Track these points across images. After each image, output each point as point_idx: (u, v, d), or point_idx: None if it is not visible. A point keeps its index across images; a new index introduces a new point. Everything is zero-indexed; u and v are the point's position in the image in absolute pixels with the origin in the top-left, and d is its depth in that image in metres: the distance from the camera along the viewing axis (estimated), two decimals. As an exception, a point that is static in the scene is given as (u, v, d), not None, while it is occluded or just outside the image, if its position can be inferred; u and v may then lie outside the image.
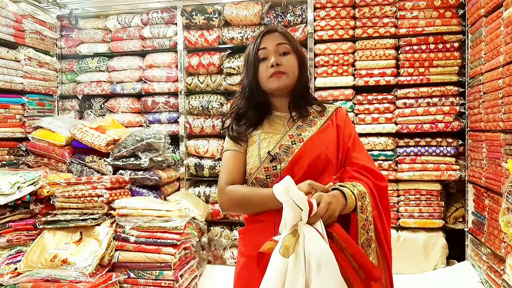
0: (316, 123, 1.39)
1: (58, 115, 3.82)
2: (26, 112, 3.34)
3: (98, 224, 2.61)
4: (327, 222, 1.12)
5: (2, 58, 3.11)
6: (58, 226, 2.61)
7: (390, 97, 3.30)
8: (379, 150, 3.27)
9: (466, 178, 3.14)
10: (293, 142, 1.34)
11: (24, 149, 3.31)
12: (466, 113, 3.16)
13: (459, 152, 3.21)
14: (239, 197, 1.33)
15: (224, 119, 1.47)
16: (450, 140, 3.20)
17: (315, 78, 3.39)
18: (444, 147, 3.19)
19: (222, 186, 1.37)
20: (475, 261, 2.92)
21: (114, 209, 2.67)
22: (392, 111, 3.29)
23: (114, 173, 3.05)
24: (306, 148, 1.32)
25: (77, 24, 3.81)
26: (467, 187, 3.14)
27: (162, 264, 2.54)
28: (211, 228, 3.47)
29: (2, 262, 2.46)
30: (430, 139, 3.21)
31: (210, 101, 3.53)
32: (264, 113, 1.42)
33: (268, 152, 1.32)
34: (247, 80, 1.37)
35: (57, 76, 3.79)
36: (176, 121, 3.67)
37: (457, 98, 3.19)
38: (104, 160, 3.07)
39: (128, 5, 3.67)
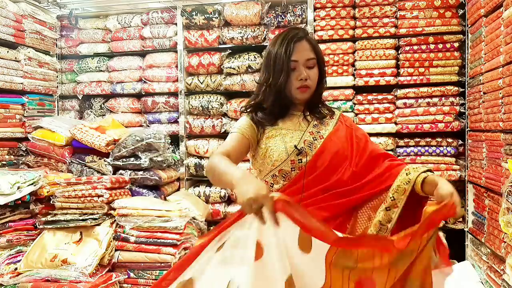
0: (329, 124, 1.51)
1: (58, 115, 3.82)
2: (26, 112, 3.34)
3: (98, 224, 2.61)
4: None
5: (2, 58, 3.11)
6: (58, 226, 2.62)
7: (390, 97, 3.30)
8: (379, 150, 3.27)
9: (466, 178, 3.14)
10: (314, 138, 1.44)
11: (24, 149, 3.31)
12: (466, 113, 3.15)
13: (459, 152, 3.21)
14: (214, 162, 1.28)
15: (247, 104, 1.51)
16: (450, 140, 3.20)
17: (315, 78, 3.38)
18: (444, 147, 3.19)
19: (215, 152, 1.36)
20: (475, 261, 2.92)
21: (114, 209, 2.67)
22: (392, 111, 3.29)
23: (114, 173, 3.06)
24: (326, 144, 1.44)
25: (77, 24, 3.81)
26: (467, 187, 3.13)
27: (162, 264, 2.54)
28: (211, 228, 3.47)
29: (2, 262, 2.46)
30: (430, 139, 3.21)
31: (210, 101, 3.53)
32: (285, 110, 1.49)
33: (295, 146, 1.40)
34: (274, 81, 1.42)
35: (57, 76, 3.79)
36: (176, 121, 3.68)
37: (457, 98, 3.19)
38: (104, 160, 3.07)
39: (128, 5, 3.66)
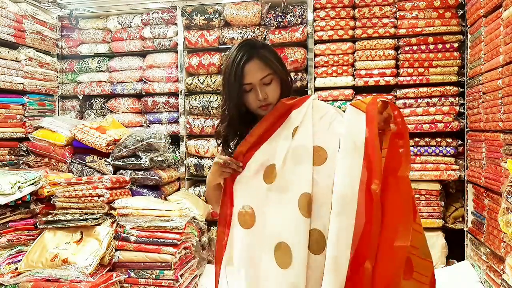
0: None
1: (58, 115, 3.82)
2: (27, 112, 3.35)
3: (99, 224, 2.62)
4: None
5: (2, 58, 3.12)
6: (59, 226, 2.62)
7: (389, 97, 3.30)
8: (379, 150, 3.27)
9: (465, 178, 3.15)
10: None
11: (24, 149, 3.32)
12: (466, 113, 3.16)
13: (458, 152, 3.21)
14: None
15: (216, 138, 1.48)
16: (449, 140, 3.20)
17: (315, 78, 3.39)
18: (444, 147, 3.19)
19: None
20: (474, 261, 2.93)
21: (115, 209, 2.68)
22: (391, 111, 3.29)
23: (114, 173, 3.06)
24: None
25: (77, 24, 3.82)
26: (467, 187, 3.14)
27: (163, 264, 2.54)
28: (211, 227, 3.48)
29: (3, 262, 2.47)
30: (429, 139, 3.22)
31: (210, 101, 3.54)
32: (244, 132, 1.42)
33: None
34: (228, 109, 1.36)
35: (57, 76, 3.79)
36: (176, 121, 3.68)
37: (457, 98, 3.19)
38: (105, 160, 3.07)
39: (128, 5, 3.68)
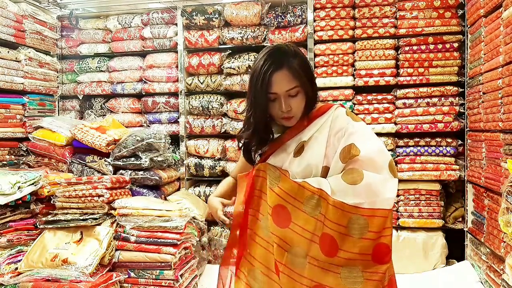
0: None
1: (58, 115, 3.83)
2: (27, 112, 3.35)
3: (99, 224, 2.62)
4: None
5: (2, 58, 3.12)
6: (59, 226, 2.62)
7: (389, 97, 3.30)
8: (379, 150, 3.27)
9: (465, 178, 3.15)
10: None
11: (24, 149, 3.32)
12: (466, 113, 3.16)
13: (458, 152, 3.22)
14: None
15: (238, 141, 1.51)
16: (449, 140, 3.20)
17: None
18: (444, 147, 3.19)
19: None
20: (474, 261, 2.93)
21: (115, 209, 2.68)
22: (391, 111, 3.30)
23: (114, 173, 3.06)
24: None
25: (77, 24, 3.82)
26: (467, 187, 3.14)
27: (163, 264, 2.54)
28: (211, 227, 3.48)
29: (3, 262, 2.47)
30: (429, 139, 3.22)
31: (210, 101, 3.54)
32: (268, 139, 1.44)
33: None
34: (253, 116, 1.34)
35: (57, 76, 3.79)
36: (176, 121, 3.68)
37: (457, 98, 3.19)
38: (105, 160, 3.07)
39: (128, 5, 3.68)
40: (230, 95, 3.64)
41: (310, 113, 1.37)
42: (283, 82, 1.27)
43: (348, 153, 1.23)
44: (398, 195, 3.27)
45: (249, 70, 3.45)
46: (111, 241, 2.56)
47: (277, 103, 1.30)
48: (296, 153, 1.33)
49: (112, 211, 2.69)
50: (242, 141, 1.46)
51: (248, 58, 3.44)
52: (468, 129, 3.14)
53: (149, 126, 3.71)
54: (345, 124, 1.30)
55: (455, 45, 3.17)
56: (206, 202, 3.46)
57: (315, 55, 3.38)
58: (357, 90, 3.37)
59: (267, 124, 1.39)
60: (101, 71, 3.83)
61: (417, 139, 3.24)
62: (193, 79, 3.61)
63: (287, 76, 1.27)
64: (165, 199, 3.16)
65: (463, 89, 3.18)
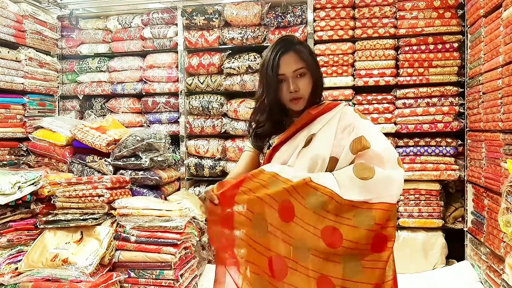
0: None
1: (59, 115, 3.83)
2: (27, 112, 3.35)
3: (99, 224, 2.62)
4: None
5: (2, 59, 3.12)
6: (59, 225, 2.62)
7: (389, 97, 3.31)
8: (378, 150, 3.27)
9: (465, 178, 3.15)
10: None
11: (25, 149, 3.32)
12: (466, 113, 3.16)
13: (458, 152, 3.22)
14: None
15: (249, 126, 1.57)
16: (449, 140, 3.20)
17: (315, 78, 3.39)
18: (444, 147, 3.20)
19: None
20: (474, 261, 2.93)
21: (115, 209, 2.68)
22: (391, 111, 3.30)
23: (114, 173, 3.06)
24: None
25: (77, 24, 3.83)
26: (466, 187, 3.14)
27: (163, 264, 2.54)
28: (211, 228, 3.48)
29: (3, 262, 2.47)
30: (429, 139, 3.22)
31: (211, 101, 3.54)
32: (282, 123, 1.50)
33: None
34: (267, 99, 1.44)
35: (57, 76, 3.80)
36: (176, 121, 3.68)
37: (457, 98, 3.20)
38: (105, 160, 3.07)
39: (128, 5, 3.68)
40: (230, 95, 3.64)
41: (317, 105, 1.44)
42: (291, 63, 1.39)
43: (359, 144, 1.29)
44: (398, 195, 3.26)
45: (249, 70, 3.45)
46: (111, 241, 2.57)
47: (285, 84, 1.40)
48: (305, 145, 1.38)
49: (112, 211, 2.69)
50: (253, 127, 1.53)
51: (248, 58, 3.44)
52: (468, 129, 3.14)
53: (149, 126, 3.72)
54: (354, 120, 1.37)
55: (455, 45, 3.18)
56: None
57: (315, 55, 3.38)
58: (357, 90, 3.37)
59: (281, 106, 1.45)
60: (101, 71, 3.83)
61: (417, 139, 3.24)
62: (193, 79, 3.61)
63: (294, 57, 1.40)
64: (165, 199, 3.16)
65: (463, 89, 3.18)
